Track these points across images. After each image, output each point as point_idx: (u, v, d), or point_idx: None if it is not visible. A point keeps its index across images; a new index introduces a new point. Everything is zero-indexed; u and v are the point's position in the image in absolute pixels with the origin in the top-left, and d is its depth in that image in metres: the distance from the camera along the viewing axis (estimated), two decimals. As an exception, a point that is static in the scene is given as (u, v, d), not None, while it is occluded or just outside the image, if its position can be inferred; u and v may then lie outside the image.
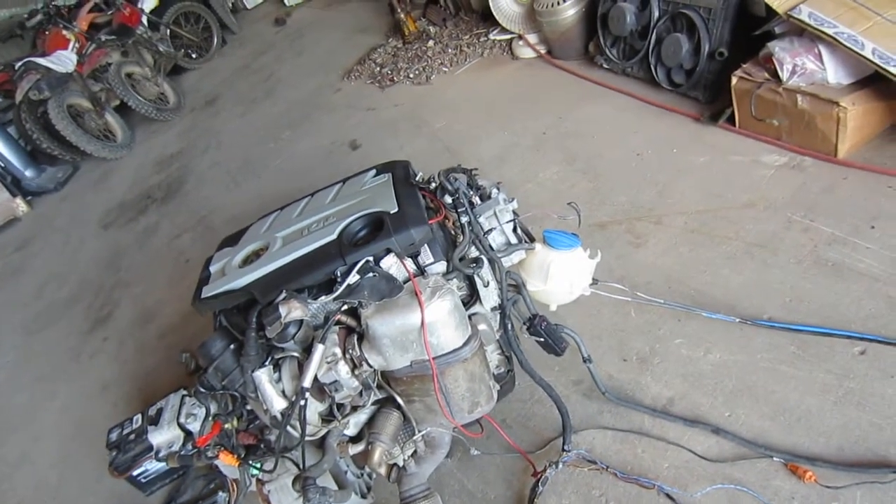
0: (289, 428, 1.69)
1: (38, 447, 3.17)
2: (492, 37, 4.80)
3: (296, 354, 1.67)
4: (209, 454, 1.86)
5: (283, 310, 1.62)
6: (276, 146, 4.98)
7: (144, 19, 6.61)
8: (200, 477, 2.53)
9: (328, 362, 1.63)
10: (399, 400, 1.76)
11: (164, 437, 2.05)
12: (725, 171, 2.80)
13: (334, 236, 1.75)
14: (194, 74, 7.33)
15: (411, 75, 4.96)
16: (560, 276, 1.94)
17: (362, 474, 2.00)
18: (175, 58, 7.08)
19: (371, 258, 1.68)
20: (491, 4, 4.50)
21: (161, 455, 2.05)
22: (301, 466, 1.70)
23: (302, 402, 1.61)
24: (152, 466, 2.56)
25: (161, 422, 2.06)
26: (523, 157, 3.49)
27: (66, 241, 5.15)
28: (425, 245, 1.76)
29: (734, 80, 2.80)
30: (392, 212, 1.77)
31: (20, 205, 5.85)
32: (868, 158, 2.55)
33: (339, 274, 1.68)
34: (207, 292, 1.80)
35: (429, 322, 1.61)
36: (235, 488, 2.35)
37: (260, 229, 2.02)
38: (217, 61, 7.48)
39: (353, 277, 1.65)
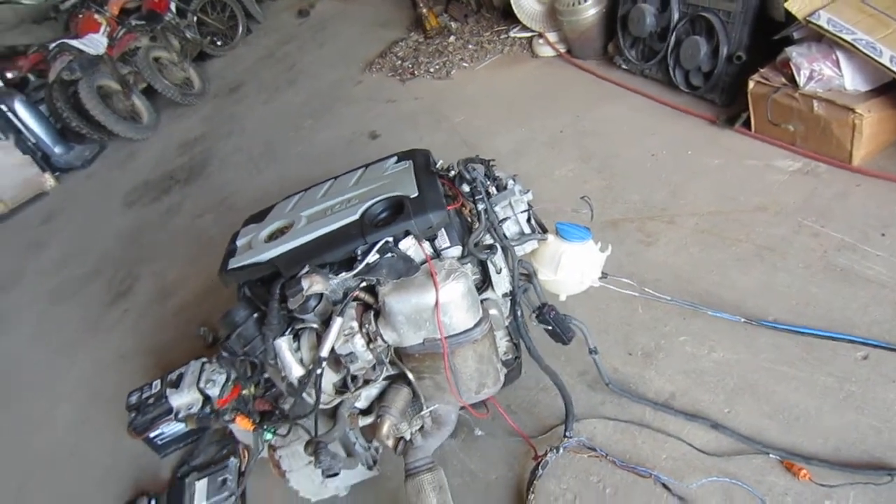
0: (304, 395, 1.76)
1: (57, 410, 3.29)
2: (512, 34, 4.86)
3: (315, 326, 1.74)
4: (227, 417, 1.94)
5: (305, 283, 1.70)
6: (298, 134, 5.06)
7: (173, 6, 6.76)
8: (213, 443, 2.61)
9: (345, 335, 1.71)
10: (410, 376, 1.83)
11: (183, 399, 2.13)
12: (739, 174, 2.84)
13: (356, 217, 1.82)
14: (219, 62, 7.45)
15: (432, 70, 5.02)
16: (571, 267, 2.00)
17: (370, 447, 2.06)
18: (201, 44, 7.21)
19: (391, 239, 1.75)
20: (512, 2, 4.56)
21: (180, 416, 2.13)
22: (314, 433, 1.78)
23: (318, 371, 1.69)
24: (168, 430, 2.67)
25: (181, 385, 2.14)
26: (540, 153, 3.55)
27: (90, 216, 5.28)
28: (442, 229, 1.82)
29: (751, 84, 2.83)
30: (412, 196, 1.84)
31: (48, 180, 6.02)
32: (883, 166, 2.57)
33: (359, 252, 1.76)
34: (234, 264, 1.88)
35: (442, 302, 1.68)
36: (247, 455, 2.45)
37: (285, 208, 2.10)
38: (241, 49, 7.59)
39: (373, 256, 1.73)
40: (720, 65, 3.16)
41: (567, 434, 2.04)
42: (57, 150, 6.10)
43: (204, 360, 2.25)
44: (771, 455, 1.86)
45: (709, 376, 2.13)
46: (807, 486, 1.77)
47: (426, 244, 1.80)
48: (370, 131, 4.56)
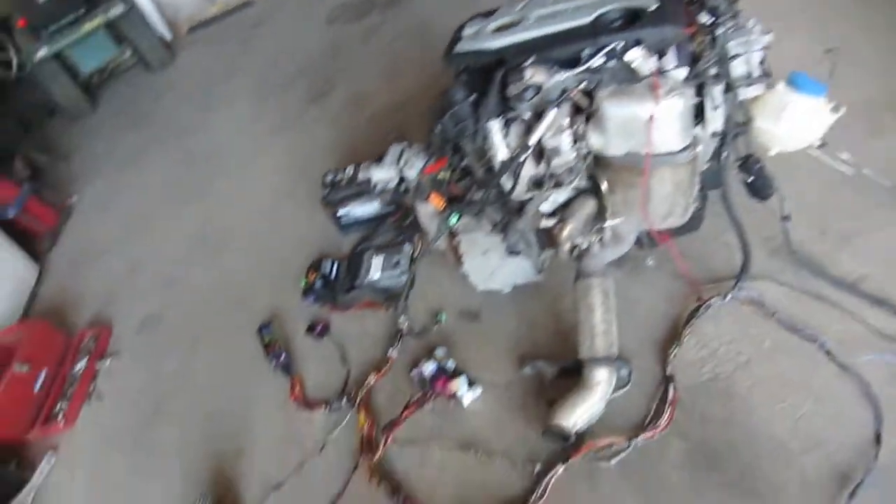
0: (501, 181, 1.90)
1: (263, 183, 3.77)
2: None
3: (526, 117, 1.84)
4: (421, 193, 2.15)
5: (528, 73, 1.78)
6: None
7: None
8: (391, 230, 2.89)
9: (555, 129, 1.79)
10: (603, 186, 1.90)
11: (382, 174, 2.37)
12: None
13: (589, 20, 1.83)
14: None
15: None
16: (794, 121, 1.89)
17: (542, 252, 2.21)
18: None
19: (620, 45, 1.76)
20: None
21: (377, 190, 2.38)
22: (501, 217, 1.93)
23: (523, 158, 1.81)
24: (353, 211, 2.95)
25: (383, 162, 2.38)
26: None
27: (293, 27, 5.61)
28: (673, 47, 1.79)
29: None
30: (651, 8, 1.80)
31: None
32: None
33: (585, 54, 1.78)
34: (460, 49, 1.99)
35: (658, 117, 1.69)
36: (421, 243, 2.69)
37: (513, 8, 2.14)
38: None
39: (599, 59, 1.75)
40: None
41: (738, 285, 2.05)
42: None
43: (405, 144, 2.46)
44: (957, 355, 1.77)
45: (910, 270, 2.01)
46: None
47: (653, 58, 1.79)
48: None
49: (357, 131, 3.74)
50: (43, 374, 3.04)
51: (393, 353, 2.39)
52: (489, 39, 1.95)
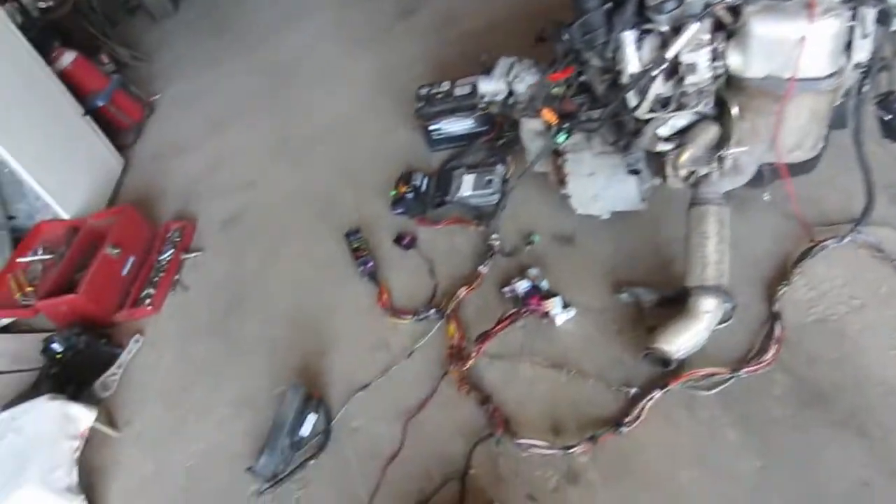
0: (628, 97, 1.84)
1: (353, 92, 3.76)
2: None
3: (664, 30, 1.75)
4: (536, 103, 2.10)
5: (677, -22, 1.68)
6: None
7: None
8: (483, 150, 2.86)
9: (695, 44, 1.71)
10: (734, 111, 1.82)
11: (491, 86, 2.31)
12: None
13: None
14: None
15: None
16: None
17: (650, 180, 2.15)
18: None
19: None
20: None
21: (485, 100, 2.33)
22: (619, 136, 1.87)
23: (656, 72, 1.74)
24: (446, 127, 2.92)
25: (493, 74, 2.31)
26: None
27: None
28: (834, -37, 1.67)
29: None
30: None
31: None
32: None
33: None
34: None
35: (811, 37, 1.59)
36: (513, 165, 2.65)
37: None
38: None
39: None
40: None
41: (857, 227, 1.97)
42: None
43: (514, 58, 2.38)
44: None
45: None
46: None
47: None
48: None
49: (446, 49, 3.67)
50: (131, 260, 3.15)
51: (483, 269, 2.39)
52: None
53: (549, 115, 2.10)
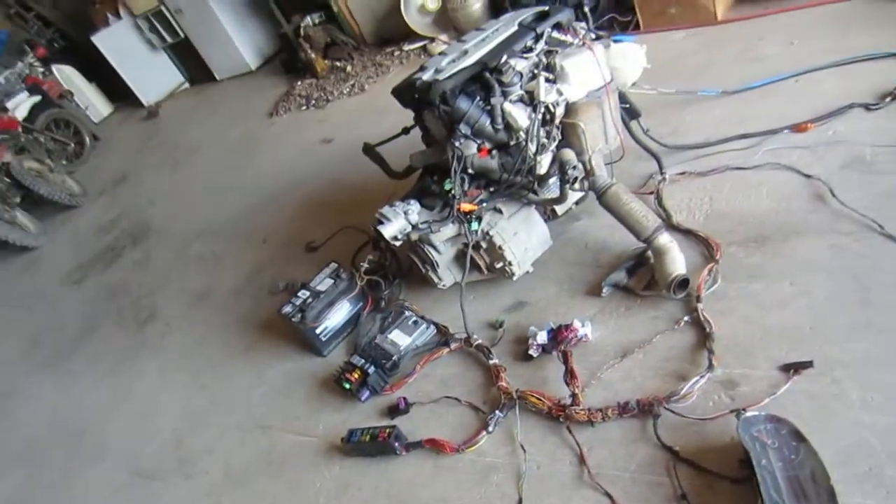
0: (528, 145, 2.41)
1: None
2: (405, 49, 5.86)
3: (521, 92, 2.43)
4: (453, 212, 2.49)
5: (511, 62, 2.43)
6: (240, 168, 5.42)
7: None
8: (372, 316, 2.99)
9: (546, 90, 2.43)
10: (581, 125, 2.55)
11: (396, 226, 2.58)
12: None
13: (516, 27, 2.57)
14: (84, 168, 7.38)
15: (345, 91, 5.78)
16: (628, 58, 2.90)
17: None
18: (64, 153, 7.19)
19: (549, 29, 2.55)
20: (406, 18, 5.60)
21: (399, 239, 2.57)
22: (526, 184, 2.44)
23: (538, 115, 2.39)
24: (331, 323, 2.94)
25: (387, 221, 2.57)
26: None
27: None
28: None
29: (639, -6, 4.14)
30: (547, 8, 2.66)
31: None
32: (737, 12, 3.99)
33: (530, 43, 2.52)
34: (441, 77, 2.43)
35: (594, 58, 2.50)
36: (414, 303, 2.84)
37: (441, 59, 2.64)
38: (96, 161, 7.59)
39: (541, 44, 2.51)
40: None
41: (662, 173, 2.90)
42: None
43: (392, 202, 2.71)
44: None
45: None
46: None
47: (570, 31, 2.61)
48: (320, 139, 5.13)
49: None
50: None
51: (495, 360, 2.47)
52: (456, 66, 2.48)
53: (467, 207, 2.50)
